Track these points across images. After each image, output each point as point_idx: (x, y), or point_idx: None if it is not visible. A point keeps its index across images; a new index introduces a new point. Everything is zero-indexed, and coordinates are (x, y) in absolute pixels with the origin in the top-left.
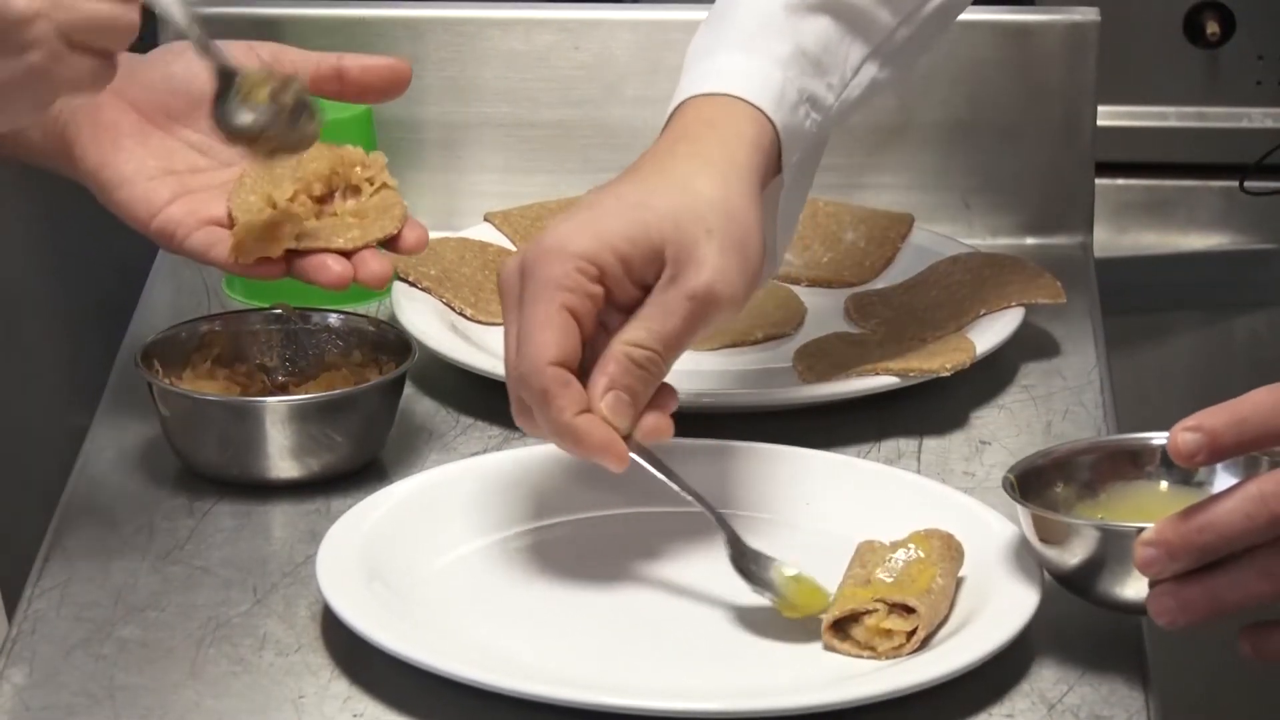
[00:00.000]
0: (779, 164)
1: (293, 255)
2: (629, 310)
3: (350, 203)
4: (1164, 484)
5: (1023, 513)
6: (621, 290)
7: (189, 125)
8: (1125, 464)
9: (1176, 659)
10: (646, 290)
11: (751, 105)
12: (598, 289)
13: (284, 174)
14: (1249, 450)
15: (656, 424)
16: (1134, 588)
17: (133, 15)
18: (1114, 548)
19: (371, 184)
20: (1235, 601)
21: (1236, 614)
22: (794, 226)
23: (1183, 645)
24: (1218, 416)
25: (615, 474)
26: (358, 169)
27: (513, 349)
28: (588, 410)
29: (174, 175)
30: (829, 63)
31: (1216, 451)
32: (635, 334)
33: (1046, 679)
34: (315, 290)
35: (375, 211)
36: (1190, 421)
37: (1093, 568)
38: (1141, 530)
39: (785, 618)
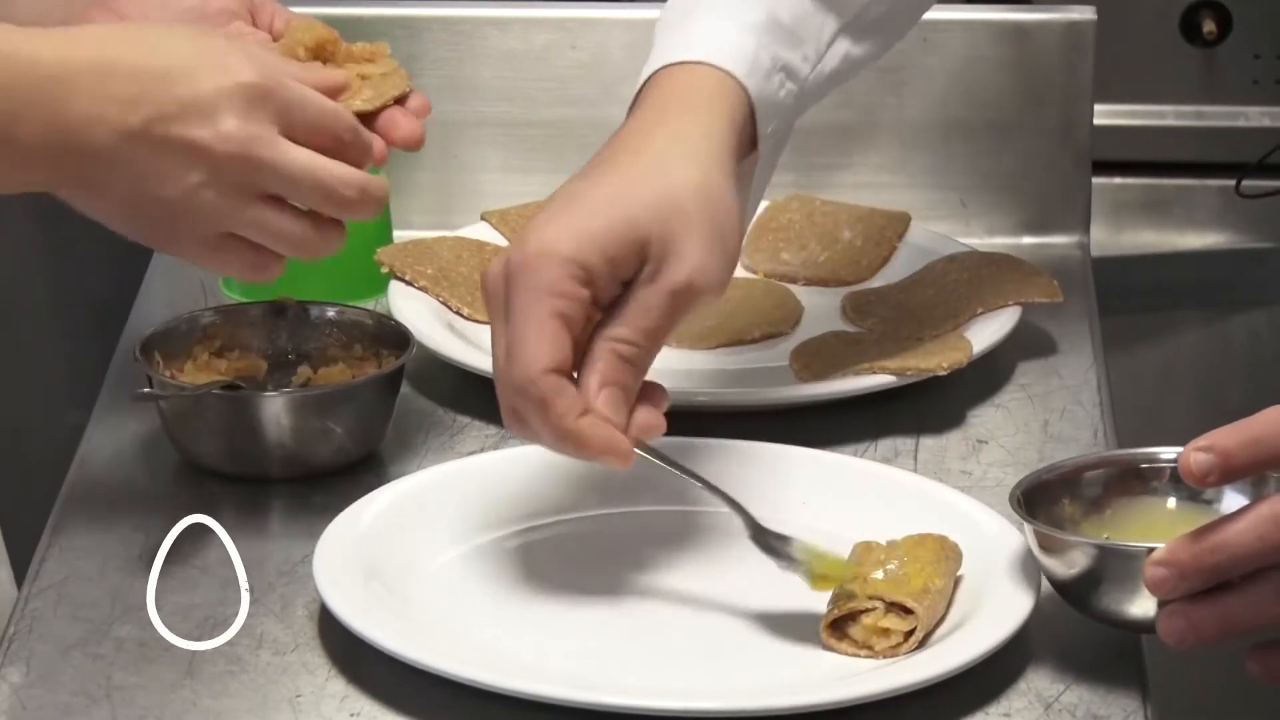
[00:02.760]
0: (753, 136)
1: None
2: (610, 303)
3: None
4: (1172, 501)
5: (1029, 530)
6: (607, 287)
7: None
8: (1132, 480)
9: (1173, 658)
10: (628, 284)
11: (726, 73)
12: (586, 292)
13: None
14: (1262, 470)
15: (649, 419)
16: (1142, 606)
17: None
18: (1123, 567)
19: (364, 57)
20: (1248, 623)
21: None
22: (759, 199)
23: None
24: (1231, 437)
25: (618, 471)
26: (345, 46)
27: (502, 356)
28: (587, 413)
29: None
30: (803, 33)
31: (1229, 472)
32: (619, 330)
33: (1043, 678)
34: (312, 285)
35: (378, 76)
36: (1203, 442)
37: (1101, 586)
38: (1151, 550)
39: (785, 616)
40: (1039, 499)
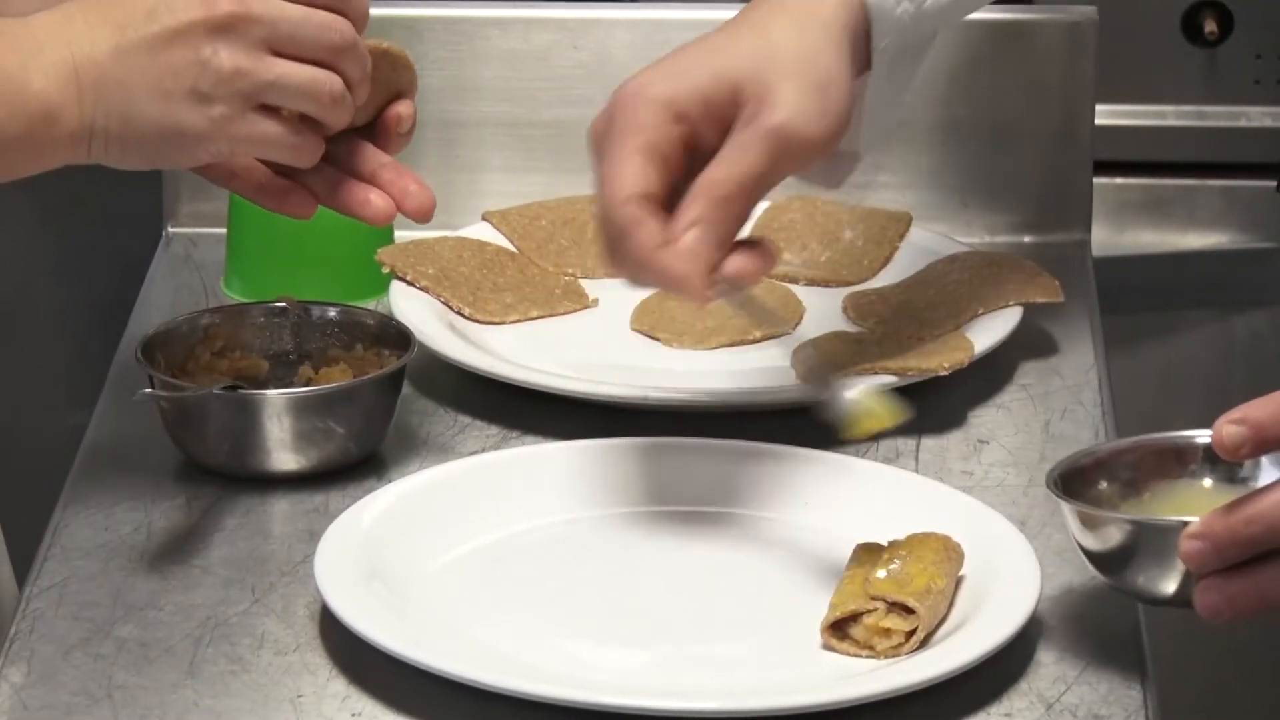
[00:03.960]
0: (869, 52)
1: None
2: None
3: None
4: (1208, 481)
5: (1068, 509)
6: (707, 132)
7: None
8: (1169, 462)
9: (1175, 657)
10: (726, 134)
11: None
12: (678, 129)
13: None
14: None
15: (742, 266)
16: (1178, 582)
17: (335, 83)
18: (1158, 542)
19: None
20: (1265, 537)
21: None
22: (886, 129)
23: (1182, 644)
24: (1263, 409)
25: (619, 471)
26: None
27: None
28: (668, 245)
29: None
30: None
31: (1261, 444)
32: (715, 172)
33: (1045, 678)
34: (314, 285)
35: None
36: (1235, 414)
37: (1137, 562)
38: (1185, 524)
39: (786, 617)
40: (1075, 483)
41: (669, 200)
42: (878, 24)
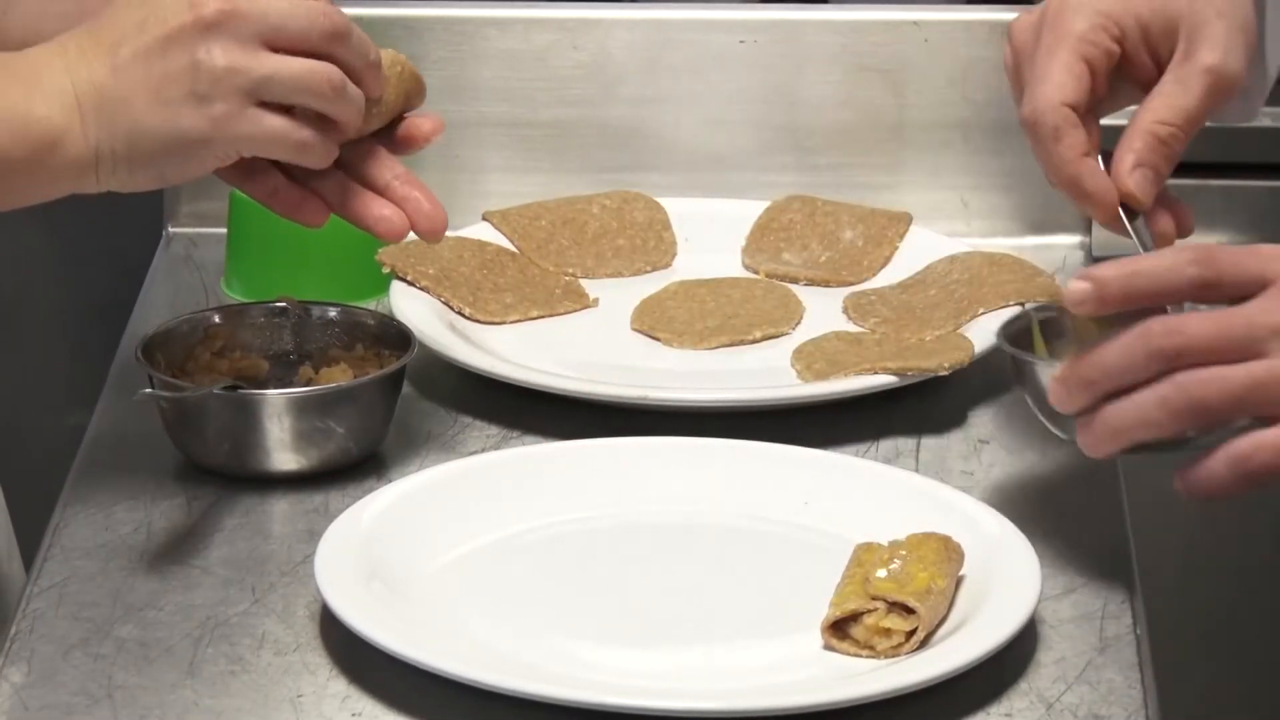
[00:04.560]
0: None
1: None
2: (1138, 83)
3: None
4: None
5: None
6: (1135, 58)
7: None
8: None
9: (1174, 657)
10: (1156, 65)
11: None
12: (1116, 48)
13: None
14: (1138, 302)
15: (1165, 227)
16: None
17: (331, 72)
18: (1040, 381)
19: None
20: (1130, 428)
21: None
22: None
23: (1181, 644)
24: (1110, 267)
25: (621, 471)
26: None
27: (1024, 96)
28: (1090, 155)
29: None
30: None
31: (1105, 300)
32: (1160, 111)
33: (1045, 678)
34: (314, 286)
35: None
36: (1083, 270)
37: (1037, 401)
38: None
39: (787, 617)
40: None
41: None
42: None
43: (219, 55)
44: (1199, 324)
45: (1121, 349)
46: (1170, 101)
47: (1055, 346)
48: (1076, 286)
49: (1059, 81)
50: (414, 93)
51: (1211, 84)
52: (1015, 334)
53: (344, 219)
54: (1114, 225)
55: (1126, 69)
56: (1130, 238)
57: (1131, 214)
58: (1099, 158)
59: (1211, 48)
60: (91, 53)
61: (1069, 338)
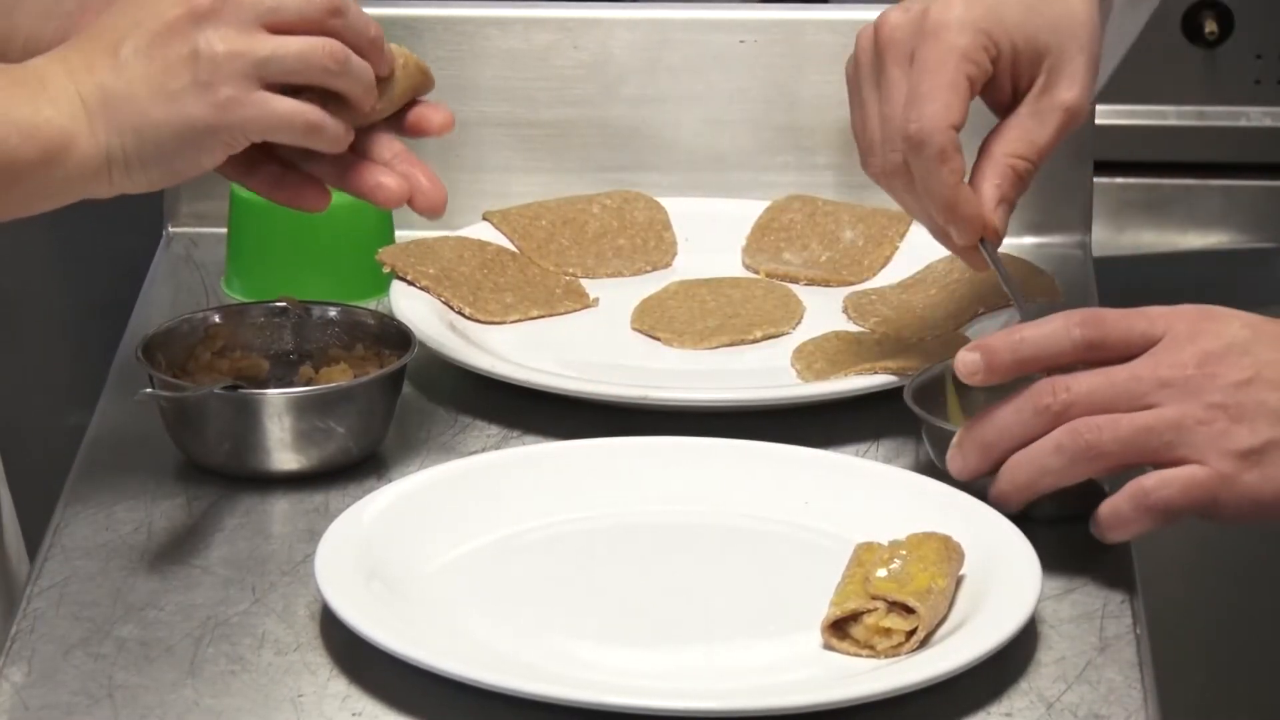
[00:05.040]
0: None
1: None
2: (993, 104)
3: None
4: None
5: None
6: (999, 80)
7: None
8: None
9: (1175, 657)
10: (1013, 91)
11: None
12: (990, 69)
13: None
14: (1027, 369)
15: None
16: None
17: (332, 47)
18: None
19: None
20: (1031, 477)
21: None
22: (1108, 70)
23: (1181, 643)
24: (997, 337)
25: (627, 472)
26: None
27: (898, 103)
28: (964, 182)
29: None
30: None
31: (994, 369)
32: (1016, 145)
33: (1045, 677)
34: (314, 285)
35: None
36: (973, 343)
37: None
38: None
39: (787, 616)
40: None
41: None
42: None
43: (217, 41)
44: (1086, 379)
45: (1013, 410)
46: (1027, 136)
47: (968, 399)
48: (966, 358)
49: (946, 102)
50: (420, 85)
51: (1065, 121)
52: (927, 384)
53: (342, 190)
54: (970, 252)
55: (986, 89)
56: (986, 263)
57: (984, 241)
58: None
59: (1070, 84)
60: (93, 56)
61: (977, 391)
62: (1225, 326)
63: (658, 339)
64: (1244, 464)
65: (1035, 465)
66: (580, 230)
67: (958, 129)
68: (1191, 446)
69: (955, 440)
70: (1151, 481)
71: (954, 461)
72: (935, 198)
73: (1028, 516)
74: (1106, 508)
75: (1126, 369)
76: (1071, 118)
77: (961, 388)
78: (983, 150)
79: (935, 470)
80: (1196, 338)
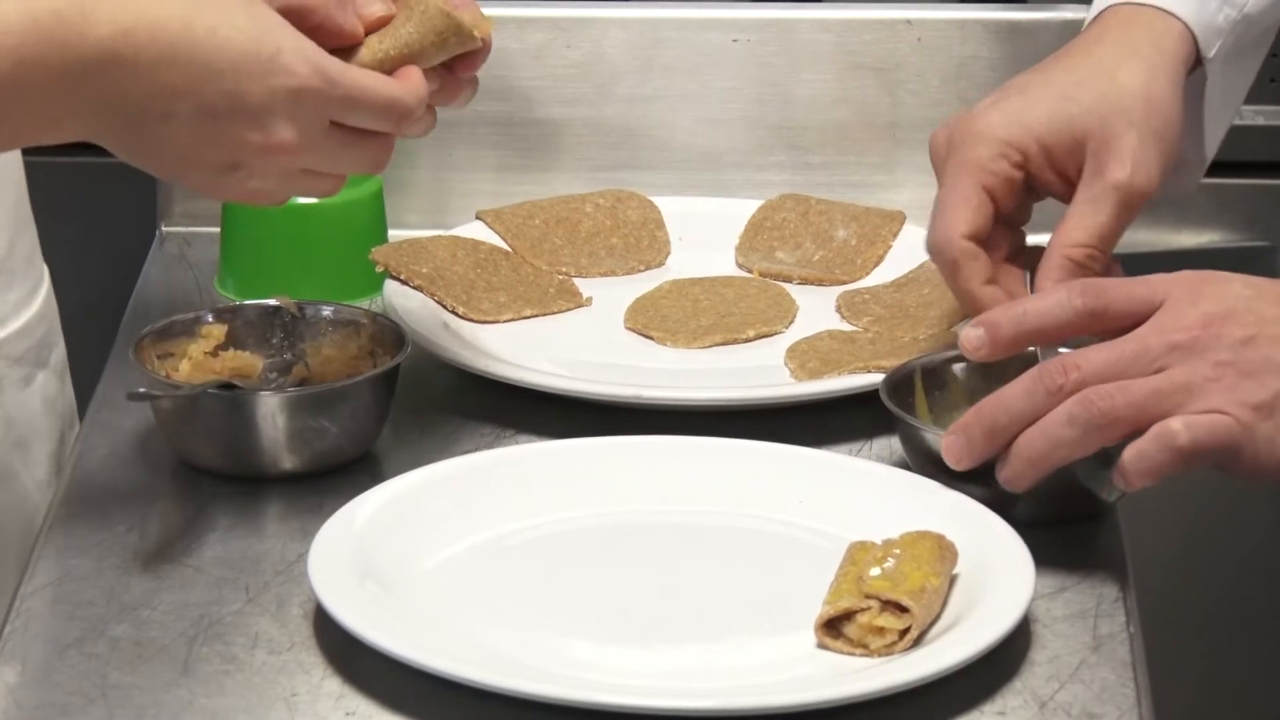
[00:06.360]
0: (1198, 58)
1: None
2: (1057, 198)
3: None
4: None
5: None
6: (1041, 176)
7: None
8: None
9: (1168, 656)
10: (1066, 181)
11: (1169, 13)
12: (1017, 173)
13: None
14: (1031, 341)
15: None
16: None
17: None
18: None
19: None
20: (1044, 452)
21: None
22: (1225, 125)
23: (1176, 642)
24: (999, 311)
25: (619, 473)
26: None
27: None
28: (991, 282)
29: None
30: None
31: (998, 343)
32: (1073, 234)
33: (1038, 676)
34: (308, 285)
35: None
36: (977, 318)
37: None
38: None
39: (781, 615)
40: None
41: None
42: (1203, 38)
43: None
44: (1095, 355)
45: (1024, 392)
46: (1082, 223)
47: (936, 398)
48: (970, 334)
49: (959, 215)
50: (446, 30)
51: (1122, 200)
52: (896, 383)
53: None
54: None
55: (1039, 188)
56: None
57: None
58: (1025, 276)
59: (1120, 163)
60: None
61: (951, 389)
62: (1226, 288)
63: (651, 338)
64: (1258, 415)
65: (1049, 439)
66: (573, 229)
67: (972, 238)
68: (1205, 403)
69: (957, 425)
70: (1179, 423)
71: (955, 447)
72: (960, 301)
73: (1012, 518)
74: (1131, 451)
75: (1132, 338)
76: (1127, 196)
77: (930, 385)
78: (1048, 244)
79: (929, 469)
80: (1198, 300)
